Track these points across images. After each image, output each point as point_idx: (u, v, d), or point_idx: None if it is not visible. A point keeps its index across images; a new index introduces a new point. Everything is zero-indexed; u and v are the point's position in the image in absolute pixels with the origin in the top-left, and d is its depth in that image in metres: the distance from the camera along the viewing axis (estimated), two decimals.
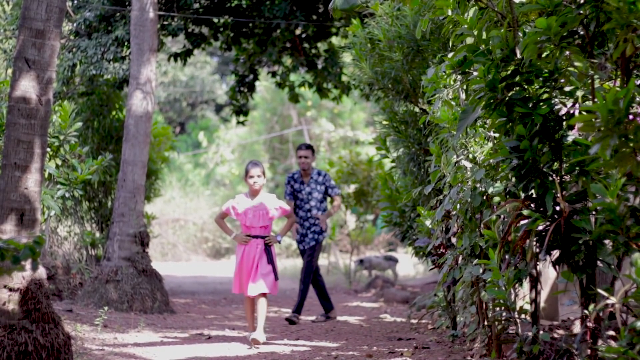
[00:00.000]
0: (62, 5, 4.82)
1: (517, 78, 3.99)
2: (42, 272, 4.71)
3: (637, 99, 3.42)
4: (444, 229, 5.75)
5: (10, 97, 4.73)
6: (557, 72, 3.92)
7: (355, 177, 14.60)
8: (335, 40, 14.67)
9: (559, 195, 3.82)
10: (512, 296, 4.55)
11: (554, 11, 3.80)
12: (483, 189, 4.76)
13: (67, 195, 7.87)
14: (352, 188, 14.87)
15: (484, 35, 4.14)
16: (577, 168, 3.85)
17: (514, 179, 4.17)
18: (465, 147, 5.10)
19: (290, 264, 18.68)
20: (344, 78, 13.96)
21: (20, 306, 4.58)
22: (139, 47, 9.64)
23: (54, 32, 4.78)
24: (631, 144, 3.20)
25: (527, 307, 4.65)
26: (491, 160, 4.66)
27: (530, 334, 4.16)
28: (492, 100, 4.05)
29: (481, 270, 4.77)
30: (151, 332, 7.58)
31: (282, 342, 7.03)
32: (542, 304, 6.71)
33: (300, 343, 6.99)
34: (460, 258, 5.39)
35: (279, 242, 7.09)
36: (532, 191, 4.05)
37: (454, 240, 5.70)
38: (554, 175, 3.94)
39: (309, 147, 9.08)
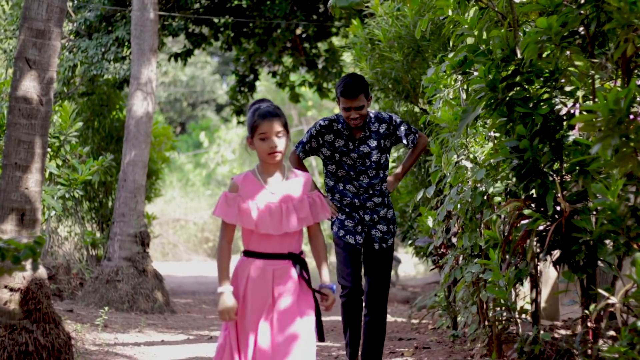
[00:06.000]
0: (62, 5, 4.82)
1: (518, 78, 3.99)
2: (42, 272, 4.71)
3: (638, 98, 3.41)
4: (444, 229, 5.75)
5: (11, 97, 4.73)
6: (557, 72, 3.92)
7: None
8: (335, 40, 14.68)
9: (559, 195, 3.81)
10: (513, 296, 4.55)
11: (555, 11, 3.80)
12: (483, 189, 4.76)
13: (67, 195, 7.87)
14: None
15: (485, 35, 4.14)
16: (577, 168, 3.84)
17: (514, 179, 4.17)
18: (465, 147, 5.09)
19: None
20: None
21: (21, 306, 4.58)
22: (139, 47, 9.64)
23: (54, 32, 4.77)
24: (632, 144, 3.20)
25: (528, 307, 4.64)
26: (491, 160, 4.65)
27: (531, 334, 4.16)
28: (492, 100, 4.05)
29: (482, 270, 4.77)
30: (152, 332, 7.58)
31: None
32: (542, 304, 6.71)
33: None
34: (460, 258, 5.39)
35: (334, 291, 3.59)
36: (533, 191, 4.05)
37: (454, 240, 5.70)
38: (554, 175, 3.94)
39: (362, 90, 4.99)
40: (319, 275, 3.61)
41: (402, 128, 5.17)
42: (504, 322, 4.59)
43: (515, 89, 4.02)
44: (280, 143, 3.50)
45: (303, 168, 5.03)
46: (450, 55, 4.46)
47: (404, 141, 5.16)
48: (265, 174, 3.56)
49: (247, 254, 3.52)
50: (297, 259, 3.54)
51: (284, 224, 3.48)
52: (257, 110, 3.57)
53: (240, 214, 3.46)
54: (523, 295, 5.45)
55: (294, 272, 3.50)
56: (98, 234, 11.05)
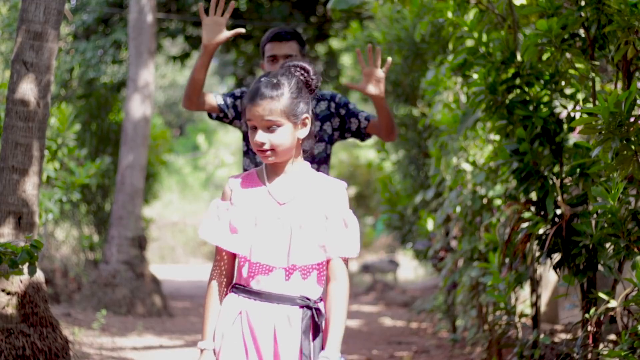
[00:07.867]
0: (60, 8, 4.80)
1: (518, 81, 3.97)
2: (40, 275, 4.68)
3: (639, 101, 3.40)
4: (444, 232, 5.73)
5: (8, 100, 4.71)
6: (557, 74, 3.91)
7: (355, 180, 14.60)
8: (334, 42, 14.68)
9: (559, 198, 3.80)
10: (513, 300, 4.53)
11: (555, 13, 3.78)
12: (483, 192, 4.75)
13: (64, 198, 7.85)
14: (352, 191, 14.88)
15: (484, 38, 4.13)
16: (577, 171, 3.83)
17: (514, 182, 4.16)
18: (465, 150, 5.08)
19: None
20: (343, 80, 13.96)
21: (18, 310, 4.55)
22: (137, 49, 9.62)
23: (52, 35, 4.75)
24: (632, 147, 3.18)
25: (528, 310, 4.63)
26: (491, 163, 4.64)
27: (530, 337, 4.14)
28: (492, 103, 4.03)
29: (481, 274, 4.75)
30: (150, 336, 7.55)
31: None
32: (542, 308, 6.69)
33: None
34: (460, 261, 5.37)
35: None
36: (533, 194, 4.03)
37: (454, 243, 5.68)
38: (554, 178, 3.93)
39: (295, 37, 4.01)
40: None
41: (350, 107, 4.00)
42: (503, 326, 4.57)
43: (515, 92, 4.00)
44: (267, 137, 2.28)
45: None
46: (450, 57, 4.45)
47: (354, 121, 3.93)
48: (273, 174, 2.37)
49: (238, 290, 2.45)
50: (312, 308, 2.31)
51: (292, 251, 2.30)
52: (257, 81, 2.37)
53: (230, 232, 2.37)
54: (523, 299, 5.43)
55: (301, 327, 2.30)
56: (95, 238, 11.01)
